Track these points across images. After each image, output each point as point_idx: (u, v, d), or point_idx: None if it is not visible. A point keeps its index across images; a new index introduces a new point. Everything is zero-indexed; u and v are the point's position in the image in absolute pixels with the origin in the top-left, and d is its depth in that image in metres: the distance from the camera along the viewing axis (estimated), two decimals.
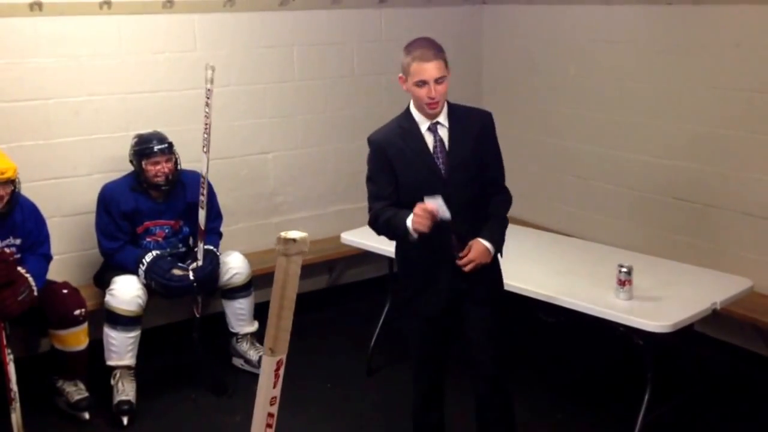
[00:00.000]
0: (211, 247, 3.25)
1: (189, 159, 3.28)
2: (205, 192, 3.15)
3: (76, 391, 3.05)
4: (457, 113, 2.30)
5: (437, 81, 2.19)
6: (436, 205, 2.13)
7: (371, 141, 2.36)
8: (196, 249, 3.23)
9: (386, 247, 3.24)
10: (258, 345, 3.43)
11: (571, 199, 4.02)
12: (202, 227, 3.17)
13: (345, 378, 3.38)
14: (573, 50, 3.90)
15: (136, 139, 3.21)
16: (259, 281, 3.51)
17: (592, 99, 3.84)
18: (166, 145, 3.17)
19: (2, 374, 2.68)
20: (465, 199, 2.27)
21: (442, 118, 2.28)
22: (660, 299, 2.63)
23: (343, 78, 4.00)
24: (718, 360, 3.35)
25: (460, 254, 2.26)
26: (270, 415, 1.11)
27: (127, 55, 3.41)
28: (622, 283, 2.61)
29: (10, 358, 2.67)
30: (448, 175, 2.26)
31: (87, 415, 3.04)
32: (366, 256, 3.66)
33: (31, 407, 2.85)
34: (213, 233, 3.32)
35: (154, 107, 3.50)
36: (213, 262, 3.23)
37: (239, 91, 3.69)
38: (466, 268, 2.26)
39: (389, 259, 3.34)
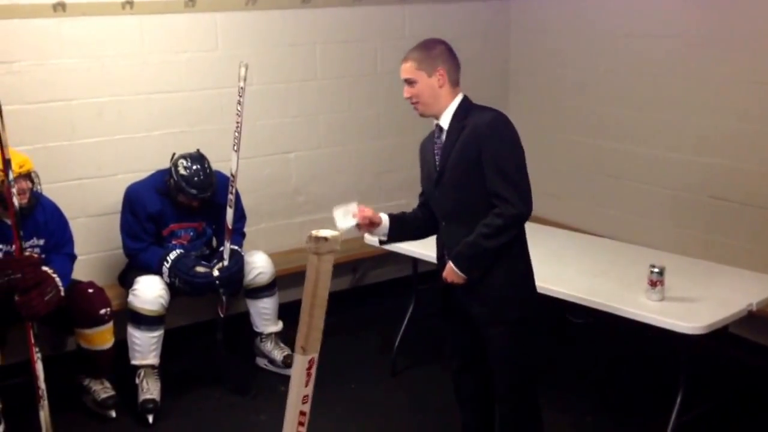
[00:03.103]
0: (236, 248, 3.24)
1: (212, 159, 3.27)
2: (234, 191, 3.15)
3: (103, 390, 3.08)
4: (460, 116, 2.21)
5: (406, 82, 2.23)
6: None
7: None
8: (221, 249, 3.23)
9: (410, 247, 3.21)
10: (282, 345, 3.42)
11: (602, 199, 3.94)
12: (230, 226, 3.17)
13: (369, 378, 3.36)
14: (603, 45, 3.81)
15: (184, 172, 3.10)
16: (283, 281, 3.50)
17: (623, 95, 3.76)
18: (208, 194, 3.14)
19: (31, 372, 2.71)
20: (451, 205, 2.26)
21: (443, 121, 2.24)
22: (693, 300, 2.58)
23: (366, 76, 3.97)
24: (754, 363, 3.27)
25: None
26: (302, 413, 1.12)
27: (150, 55, 3.41)
28: (653, 284, 2.57)
29: (37, 356, 2.69)
30: (438, 178, 2.26)
31: (113, 413, 3.06)
32: (390, 256, 3.63)
33: (59, 405, 2.86)
34: (237, 233, 3.31)
35: (176, 107, 3.50)
36: (238, 262, 3.22)
37: (261, 90, 3.68)
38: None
39: (413, 259, 3.32)
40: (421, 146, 2.40)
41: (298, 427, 1.12)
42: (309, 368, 1.09)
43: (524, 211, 2.16)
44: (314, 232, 1.02)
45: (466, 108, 2.23)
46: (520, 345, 2.29)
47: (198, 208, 3.22)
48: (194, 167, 3.12)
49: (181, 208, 3.20)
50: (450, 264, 2.22)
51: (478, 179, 2.16)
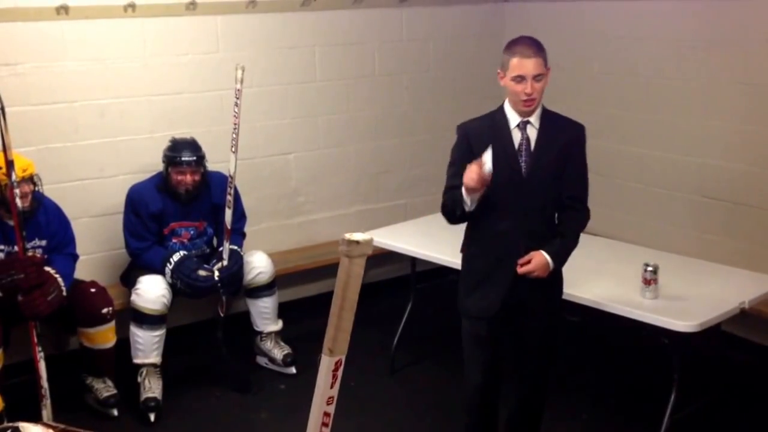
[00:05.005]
0: (236, 248, 3.28)
1: (213, 160, 3.31)
2: (232, 192, 3.18)
3: (105, 388, 3.10)
4: (550, 117, 2.32)
5: (535, 78, 2.23)
6: (487, 156, 2.14)
7: (459, 128, 2.38)
8: (221, 249, 3.26)
9: (409, 246, 3.26)
10: (282, 344, 3.46)
11: (596, 198, 3.95)
12: (228, 227, 3.20)
13: (368, 376, 3.39)
14: (597, 47, 3.86)
15: (169, 144, 3.23)
16: (283, 281, 3.53)
17: (616, 96, 3.81)
18: (194, 158, 3.18)
19: (33, 371, 2.74)
20: (540, 201, 2.31)
21: (534, 118, 2.29)
22: (687, 298, 2.61)
23: (365, 78, 4.00)
24: (746, 360, 3.31)
25: (520, 261, 2.29)
26: (326, 414, 1.13)
27: (151, 57, 3.44)
28: (647, 282, 2.60)
29: (40, 355, 2.72)
30: (528, 174, 2.28)
31: (115, 412, 3.08)
32: (389, 256, 3.66)
33: (62, 403, 2.89)
34: (237, 233, 3.35)
35: (178, 109, 3.53)
36: (238, 262, 3.26)
37: (261, 91, 3.72)
38: (524, 273, 2.29)
39: (412, 258, 3.36)
40: (471, 132, 2.32)
41: (321, 428, 1.12)
42: (335, 370, 1.08)
43: None
44: (347, 235, 0.99)
45: (549, 111, 2.34)
46: (557, 331, 2.49)
47: (195, 192, 3.21)
48: (178, 138, 3.24)
49: (181, 203, 3.22)
50: (547, 259, 2.28)
51: (559, 181, 2.31)
